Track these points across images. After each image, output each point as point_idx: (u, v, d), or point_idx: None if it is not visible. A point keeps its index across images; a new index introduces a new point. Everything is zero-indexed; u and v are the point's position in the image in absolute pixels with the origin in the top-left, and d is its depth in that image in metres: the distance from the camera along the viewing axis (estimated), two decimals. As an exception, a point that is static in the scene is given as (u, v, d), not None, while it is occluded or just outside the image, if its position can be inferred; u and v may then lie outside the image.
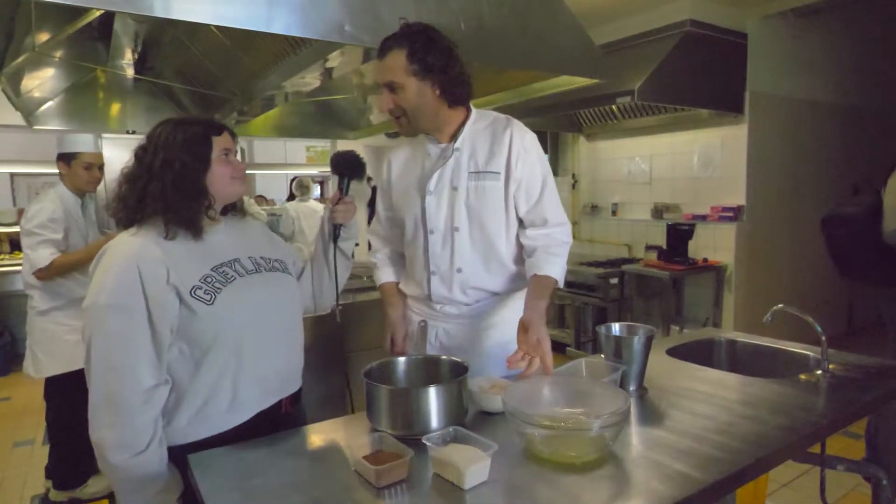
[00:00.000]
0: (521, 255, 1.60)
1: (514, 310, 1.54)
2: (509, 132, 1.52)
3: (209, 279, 1.19)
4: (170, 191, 1.19)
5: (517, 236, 1.59)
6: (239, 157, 1.34)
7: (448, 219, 1.54)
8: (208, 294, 1.18)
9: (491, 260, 1.57)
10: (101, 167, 2.69)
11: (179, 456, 1.15)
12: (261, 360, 1.25)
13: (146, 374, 1.12)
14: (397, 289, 1.72)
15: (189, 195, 1.21)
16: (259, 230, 1.45)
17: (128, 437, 1.10)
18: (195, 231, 1.22)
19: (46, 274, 2.44)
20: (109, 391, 1.11)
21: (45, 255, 2.41)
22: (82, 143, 2.61)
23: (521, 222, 1.58)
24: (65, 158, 2.58)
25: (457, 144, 1.53)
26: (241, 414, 1.23)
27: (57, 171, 2.63)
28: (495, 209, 1.54)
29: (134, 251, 1.16)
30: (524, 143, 1.53)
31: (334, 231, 1.48)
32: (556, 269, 1.51)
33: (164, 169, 1.19)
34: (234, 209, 1.39)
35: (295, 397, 1.38)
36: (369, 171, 2.61)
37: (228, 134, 1.29)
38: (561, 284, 1.54)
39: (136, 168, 1.23)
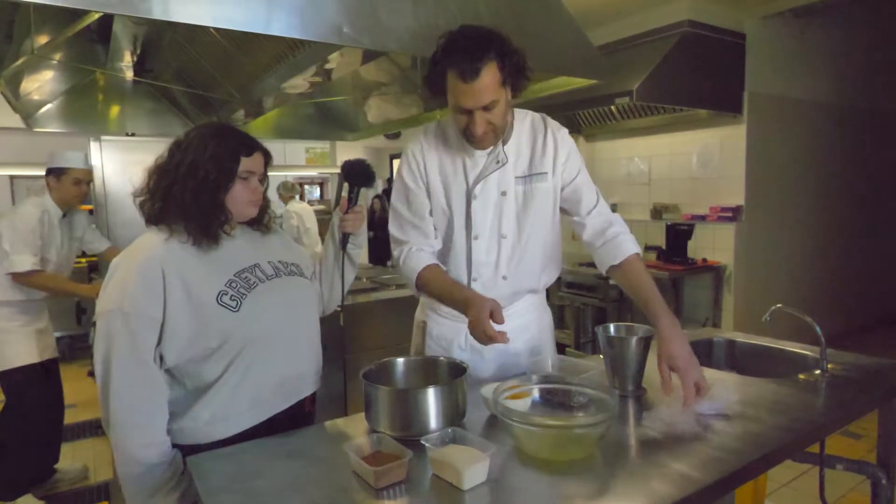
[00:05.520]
0: (557, 250, 1.59)
1: (542, 304, 1.65)
2: (551, 131, 1.50)
3: (234, 284, 1.20)
4: (189, 197, 1.19)
5: (559, 232, 1.57)
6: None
7: (495, 225, 1.49)
8: (234, 300, 1.19)
9: (535, 265, 1.55)
10: (88, 182, 2.72)
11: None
12: (283, 362, 1.27)
13: (157, 373, 1.15)
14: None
15: (206, 207, 1.20)
16: (274, 233, 1.44)
17: (156, 435, 1.16)
18: (209, 241, 1.21)
19: (25, 280, 2.47)
20: (134, 392, 1.13)
21: (26, 261, 2.45)
22: (73, 159, 2.64)
23: (564, 211, 1.56)
24: (55, 173, 2.61)
25: (507, 147, 1.47)
26: (262, 413, 1.24)
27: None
28: (544, 210, 1.51)
29: (159, 254, 1.17)
30: (564, 137, 1.51)
31: (344, 239, 1.47)
32: (634, 244, 1.49)
33: (188, 174, 1.19)
34: (259, 223, 1.37)
35: (314, 396, 1.39)
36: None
37: (261, 156, 1.28)
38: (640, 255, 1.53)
39: (166, 163, 1.23)
